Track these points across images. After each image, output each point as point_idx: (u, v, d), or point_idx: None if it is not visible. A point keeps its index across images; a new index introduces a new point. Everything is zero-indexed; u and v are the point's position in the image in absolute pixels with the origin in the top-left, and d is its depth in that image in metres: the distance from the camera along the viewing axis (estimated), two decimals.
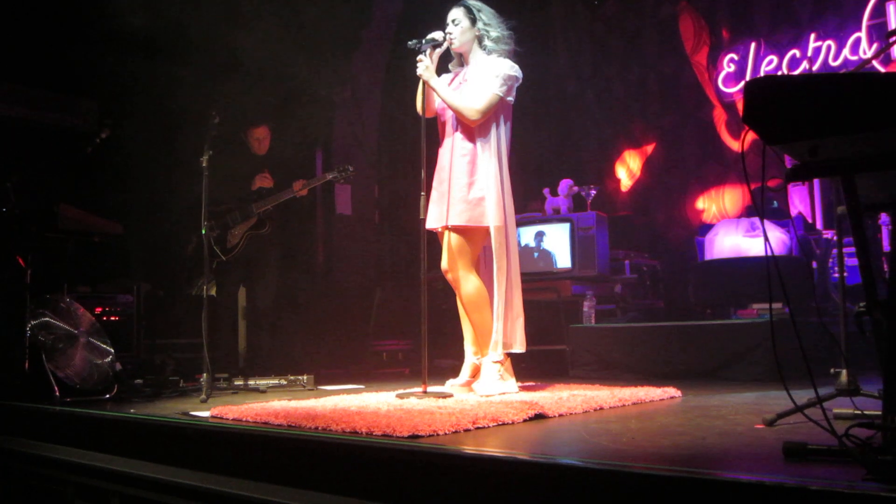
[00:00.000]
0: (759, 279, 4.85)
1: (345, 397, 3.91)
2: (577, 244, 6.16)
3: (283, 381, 4.99)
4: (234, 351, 5.96)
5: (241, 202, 5.61)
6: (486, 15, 4.09)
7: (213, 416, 3.35)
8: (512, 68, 4.02)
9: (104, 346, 4.66)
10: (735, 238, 6.10)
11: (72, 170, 6.07)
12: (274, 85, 7.05)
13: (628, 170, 8.67)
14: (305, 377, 5.01)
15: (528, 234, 6.37)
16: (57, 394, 4.18)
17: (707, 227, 6.73)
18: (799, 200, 6.90)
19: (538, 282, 6.13)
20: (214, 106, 4.80)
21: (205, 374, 4.25)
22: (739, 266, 5.78)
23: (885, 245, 5.04)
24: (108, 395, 4.45)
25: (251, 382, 4.94)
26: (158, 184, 6.57)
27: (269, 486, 2.63)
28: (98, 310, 5.62)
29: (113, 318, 5.77)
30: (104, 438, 3.48)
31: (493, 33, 4.07)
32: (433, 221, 4.04)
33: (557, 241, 6.28)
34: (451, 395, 3.70)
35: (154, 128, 6.69)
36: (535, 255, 6.33)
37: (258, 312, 5.75)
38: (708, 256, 6.28)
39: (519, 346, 3.97)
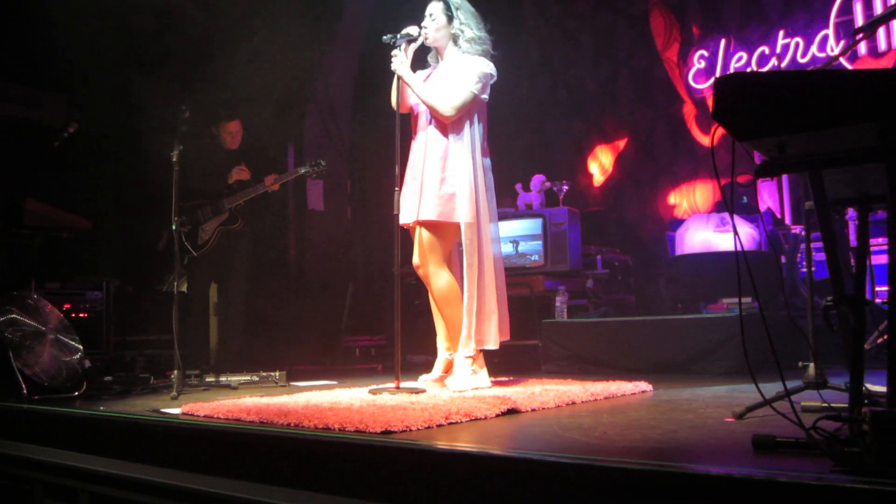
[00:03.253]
0: (729, 274, 4.90)
1: (317, 393, 3.90)
2: (550, 239, 6.17)
3: (255, 378, 4.96)
4: (206, 347, 5.91)
5: (213, 197, 5.57)
6: (464, 14, 4.07)
7: (183, 413, 3.33)
8: (487, 66, 4.02)
9: (73, 343, 4.61)
10: (705, 233, 6.15)
11: (39, 164, 5.99)
12: (245, 78, 6.99)
13: (600, 165, 8.71)
14: (277, 373, 4.98)
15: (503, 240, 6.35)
16: (24, 391, 4.12)
17: (678, 223, 6.79)
18: (768, 196, 6.98)
19: (510, 277, 6.14)
20: (185, 100, 4.75)
21: (175, 371, 4.21)
22: (709, 261, 5.83)
23: (853, 240, 5.11)
24: (77, 393, 4.39)
25: (223, 379, 4.90)
26: (128, 179, 6.49)
27: (241, 483, 2.62)
28: (66, 306, 5.54)
29: (82, 315, 5.70)
30: (73, 436, 3.44)
31: (469, 33, 4.05)
32: (405, 216, 4.03)
33: (529, 237, 6.30)
34: (423, 391, 3.70)
35: (123, 122, 6.61)
36: (514, 259, 6.34)
37: (229, 308, 5.71)
38: (679, 251, 6.34)
39: (493, 343, 3.96)
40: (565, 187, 6.79)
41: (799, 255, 5.72)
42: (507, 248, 6.32)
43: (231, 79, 6.65)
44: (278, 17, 7.00)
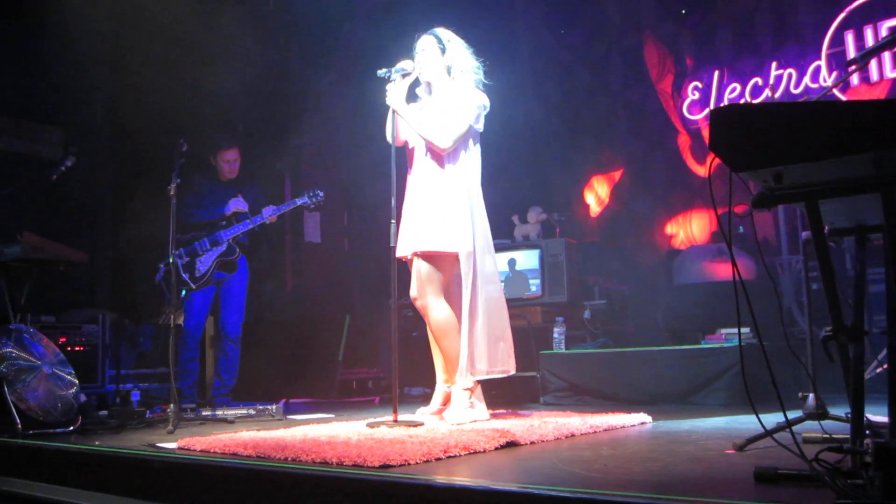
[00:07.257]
0: (727, 304, 4.90)
1: (314, 427, 3.87)
2: (547, 271, 6.18)
3: (252, 411, 4.93)
4: (202, 381, 5.88)
5: (211, 229, 5.56)
6: (455, 46, 4.11)
7: (180, 448, 3.30)
8: (480, 97, 4.05)
9: (68, 377, 4.58)
10: (703, 263, 6.16)
11: (36, 197, 5.99)
12: (242, 110, 7.03)
13: (596, 196, 8.73)
14: (274, 407, 4.94)
15: (499, 261, 6.36)
16: (19, 426, 4.09)
17: (676, 253, 6.79)
18: (765, 225, 6.99)
19: (508, 308, 6.13)
20: (182, 133, 4.77)
21: (171, 405, 4.18)
22: (707, 291, 5.83)
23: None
24: (72, 428, 4.36)
25: (219, 413, 4.86)
26: (124, 212, 6.50)
27: None
28: (62, 340, 5.53)
29: (77, 349, 5.67)
30: (68, 472, 3.40)
31: (461, 65, 4.09)
32: (402, 250, 4.03)
33: (527, 268, 6.31)
34: (421, 424, 3.68)
35: (120, 155, 6.64)
36: (508, 283, 6.33)
37: (226, 341, 5.68)
38: (677, 282, 6.33)
39: (499, 371, 3.95)
40: (562, 218, 6.81)
41: (797, 285, 5.72)
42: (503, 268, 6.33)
43: (227, 110, 6.68)
44: (275, 48, 7.06)
